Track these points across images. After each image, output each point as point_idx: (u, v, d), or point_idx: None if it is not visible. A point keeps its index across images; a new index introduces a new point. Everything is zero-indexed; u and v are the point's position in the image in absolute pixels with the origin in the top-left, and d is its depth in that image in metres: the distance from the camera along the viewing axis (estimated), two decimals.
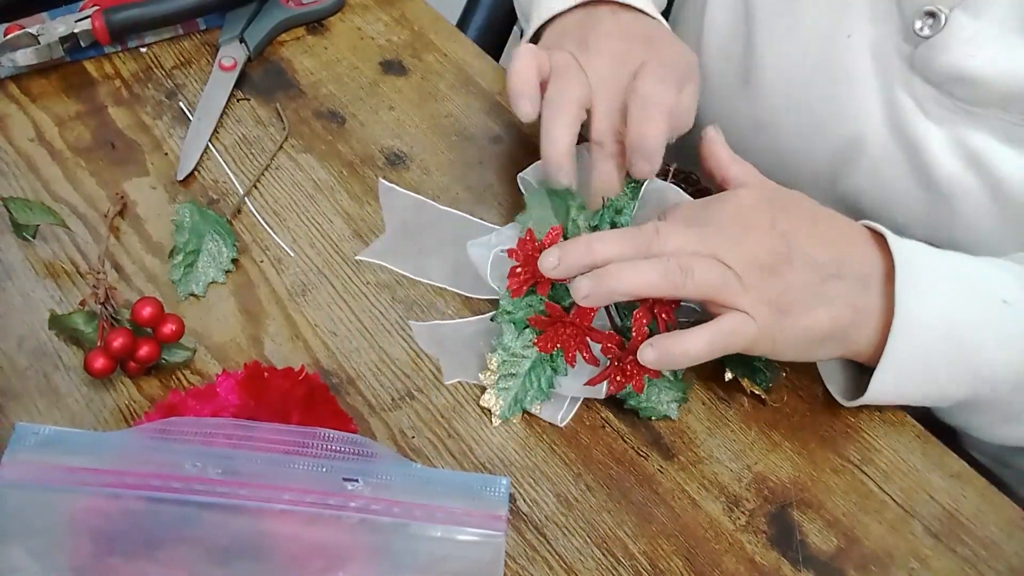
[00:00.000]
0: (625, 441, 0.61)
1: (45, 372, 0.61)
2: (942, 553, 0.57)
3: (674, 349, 0.55)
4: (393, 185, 0.72)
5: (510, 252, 0.60)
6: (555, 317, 0.58)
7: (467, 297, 0.66)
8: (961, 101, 0.64)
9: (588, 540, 0.57)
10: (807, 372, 0.64)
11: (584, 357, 0.59)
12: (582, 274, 0.55)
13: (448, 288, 0.67)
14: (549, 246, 0.58)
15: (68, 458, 0.49)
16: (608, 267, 0.55)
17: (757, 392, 0.62)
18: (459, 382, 0.62)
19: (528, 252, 0.59)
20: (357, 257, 0.68)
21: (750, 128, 0.75)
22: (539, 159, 0.64)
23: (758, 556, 0.56)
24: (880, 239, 0.59)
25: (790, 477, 0.60)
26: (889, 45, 0.67)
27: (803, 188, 0.61)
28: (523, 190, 0.69)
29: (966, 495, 0.59)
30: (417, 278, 0.67)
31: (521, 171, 0.70)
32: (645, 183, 0.63)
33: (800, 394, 0.63)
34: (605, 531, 0.57)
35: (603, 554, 0.56)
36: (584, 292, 0.55)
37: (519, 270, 0.59)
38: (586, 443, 0.60)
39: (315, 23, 0.85)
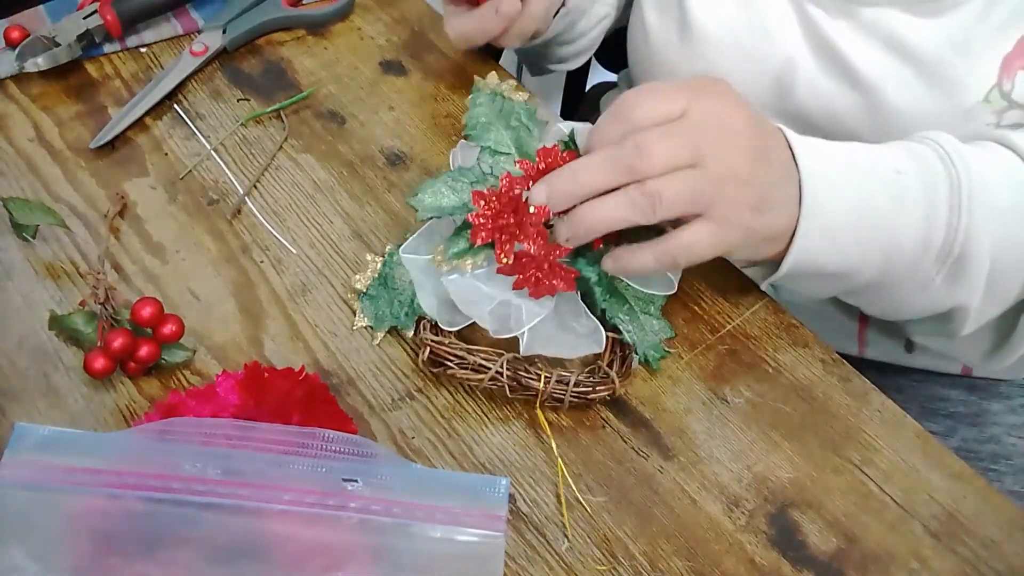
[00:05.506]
0: (625, 441, 0.61)
1: (45, 372, 0.61)
2: (942, 553, 0.57)
3: (629, 264, 0.60)
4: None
5: (475, 196, 0.60)
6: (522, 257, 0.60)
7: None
8: None
9: (588, 540, 0.57)
10: (806, 372, 0.64)
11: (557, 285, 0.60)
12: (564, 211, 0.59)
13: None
14: (509, 197, 0.59)
15: (68, 458, 0.49)
16: (580, 209, 0.58)
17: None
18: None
19: (494, 207, 0.60)
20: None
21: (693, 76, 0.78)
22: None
23: (758, 556, 0.56)
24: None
25: (790, 477, 0.60)
26: None
27: None
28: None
29: (966, 495, 0.59)
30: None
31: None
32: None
33: (800, 394, 0.63)
34: (605, 531, 0.57)
35: (603, 554, 0.56)
36: (565, 236, 0.59)
37: (482, 220, 0.60)
38: (586, 443, 0.60)
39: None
